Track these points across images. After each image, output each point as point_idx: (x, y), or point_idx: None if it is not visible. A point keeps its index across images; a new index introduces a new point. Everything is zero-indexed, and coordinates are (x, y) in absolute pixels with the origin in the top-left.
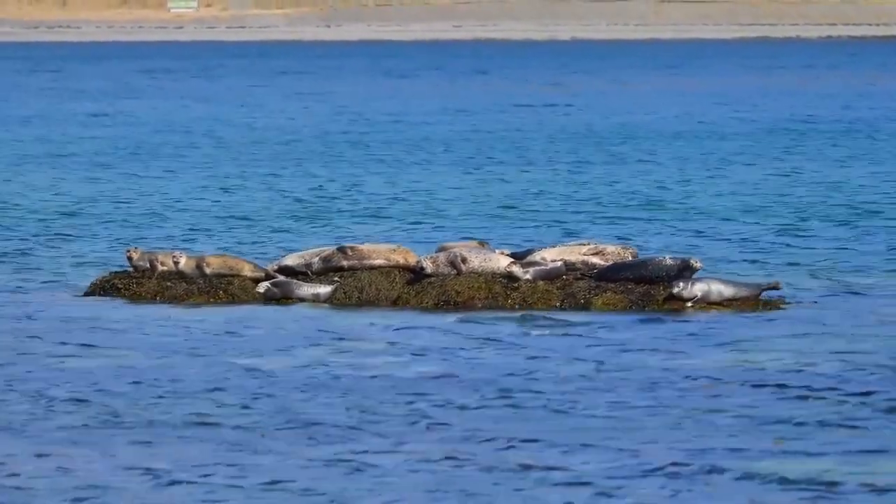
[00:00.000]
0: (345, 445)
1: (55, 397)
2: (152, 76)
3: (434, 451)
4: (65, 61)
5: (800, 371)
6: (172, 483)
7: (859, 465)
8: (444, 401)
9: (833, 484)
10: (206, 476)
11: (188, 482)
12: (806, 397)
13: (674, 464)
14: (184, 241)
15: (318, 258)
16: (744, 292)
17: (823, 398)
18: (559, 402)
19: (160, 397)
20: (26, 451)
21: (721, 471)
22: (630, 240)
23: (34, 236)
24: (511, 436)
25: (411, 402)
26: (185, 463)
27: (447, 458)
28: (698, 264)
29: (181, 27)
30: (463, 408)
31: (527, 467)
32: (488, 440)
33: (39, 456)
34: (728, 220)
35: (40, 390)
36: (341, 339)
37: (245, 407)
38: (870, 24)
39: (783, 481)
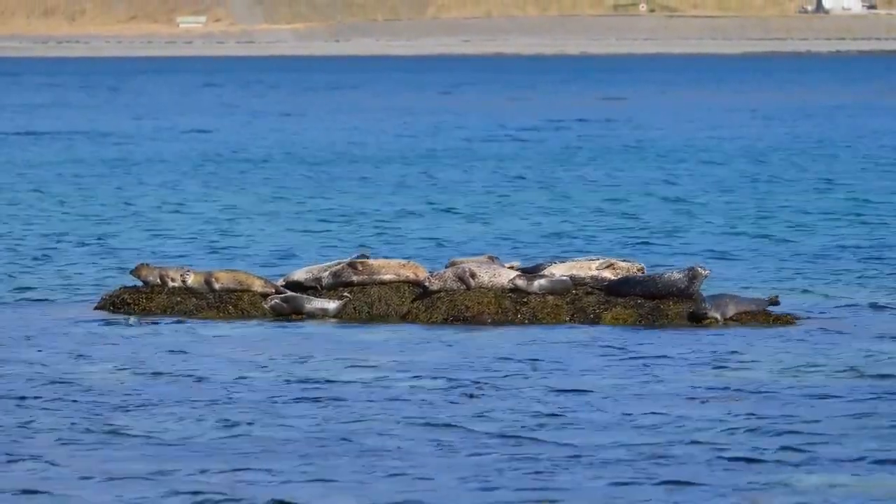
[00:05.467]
0: (355, 460)
1: (67, 410)
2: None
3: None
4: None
5: (811, 384)
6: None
7: (870, 480)
8: (450, 413)
9: (843, 497)
10: (207, 490)
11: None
12: (817, 410)
13: (679, 468)
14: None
15: (328, 273)
16: (752, 307)
17: (832, 411)
18: (577, 415)
19: (162, 411)
20: (44, 462)
21: (726, 479)
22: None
23: (46, 250)
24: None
25: (417, 416)
26: (195, 476)
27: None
28: (705, 271)
29: (190, 42)
30: (472, 420)
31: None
32: (500, 464)
33: (56, 464)
34: (735, 235)
35: (50, 403)
36: (350, 353)
37: (250, 423)
38: (879, 39)
39: (791, 493)
